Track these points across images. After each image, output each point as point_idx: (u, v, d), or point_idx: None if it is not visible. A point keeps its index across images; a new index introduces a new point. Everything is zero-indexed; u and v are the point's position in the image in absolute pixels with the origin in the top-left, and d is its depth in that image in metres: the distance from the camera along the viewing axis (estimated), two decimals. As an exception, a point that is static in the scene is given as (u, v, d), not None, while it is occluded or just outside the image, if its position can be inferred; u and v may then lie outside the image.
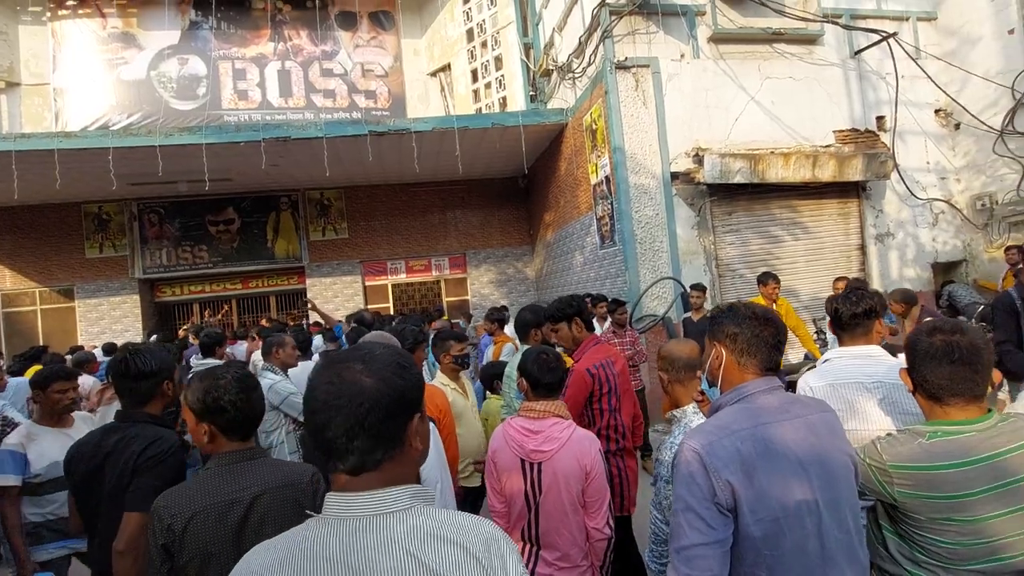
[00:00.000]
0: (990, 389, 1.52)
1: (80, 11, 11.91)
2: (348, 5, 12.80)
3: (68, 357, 6.28)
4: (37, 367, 6.75)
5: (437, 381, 3.26)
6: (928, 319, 2.24)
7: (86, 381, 5.82)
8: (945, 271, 8.09)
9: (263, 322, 9.52)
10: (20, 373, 6.39)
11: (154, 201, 11.03)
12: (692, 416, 1.97)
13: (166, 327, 11.29)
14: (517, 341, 4.80)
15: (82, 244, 10.96)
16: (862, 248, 7.72)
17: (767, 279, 5.35)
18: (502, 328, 5.84)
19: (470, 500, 3.31)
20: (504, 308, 6.65)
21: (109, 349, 6.33)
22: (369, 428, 0.86)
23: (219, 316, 11.67)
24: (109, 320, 10.97)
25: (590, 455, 2.07)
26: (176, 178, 9.24)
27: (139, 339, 10.12)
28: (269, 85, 12.49)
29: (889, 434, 1.60)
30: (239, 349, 7.16)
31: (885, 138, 7.69)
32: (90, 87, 11.83)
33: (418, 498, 0.89)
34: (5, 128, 11.44)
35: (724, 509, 1.24)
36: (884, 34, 7.35)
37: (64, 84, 11.80)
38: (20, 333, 10.76)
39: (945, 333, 1.48)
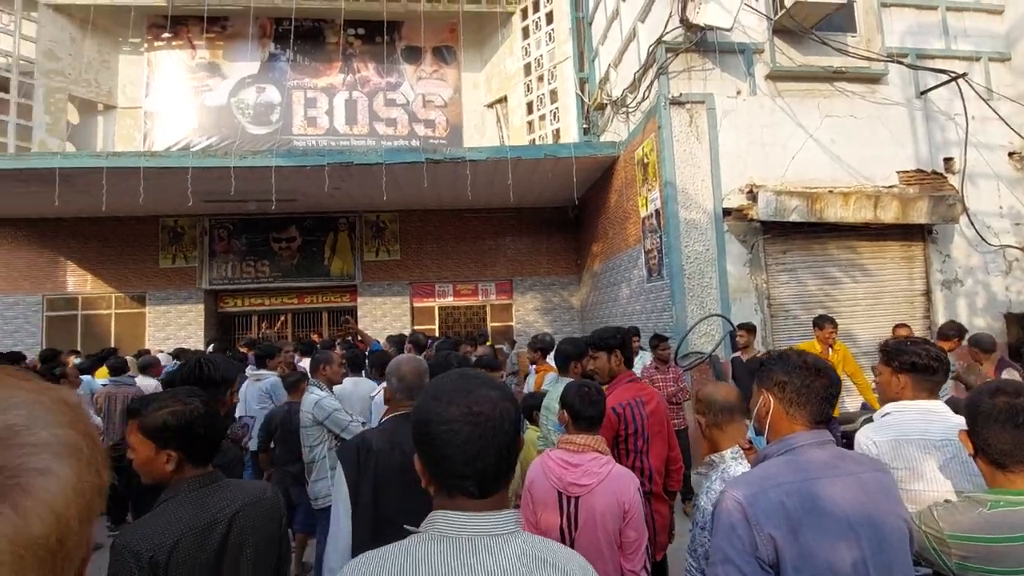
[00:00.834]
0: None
1: (174, 43, 13.07)
2: (414, 40, 13.48)
3: (129, 359, 6.69)
4: (104, 369, 7.30)
5: None
6: (991, 380, 2.11)
7: (148, 383, 6.23)
8: (1020, 322, 7.57)
9: (315, 337, 9.88)
10: (89, 372, 6.90)
11: (224, 217, 11.77)
12: (731, 462, 1.91)
13: (226, 336, 11.89)
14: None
15: (157, 255, 11.77)
16: (927, 294, 7.35)
17: (823, 322, 5.18)
18: (545, 357, 5.84)
19: None
20: (549, 335, 6.66)
21: (177, 354, 6.72)
22: (512, 451, 0.91)
23: (275, 328, 12.19)
24: (175, 327, 11.65)
25: (629, 493, 2.03)
26: (246, 197, 9.84)
27: (200, 346, 10.69)
28: (336, 113, 13.24)
29: (947, 500, 1.53)
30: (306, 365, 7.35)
31: (953, 180, 7.36)
32: (176, 111, 12.89)
33: (519, 523, 0.93)
34: (99, 147, 12.55)
35: (765, 564, 1.21)
36: (953, 74, 7.11)
37: (154, 108, 12.90)
38: (95, 335, 11.57)
39: (1009, 395, 1.43)
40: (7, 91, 11.32)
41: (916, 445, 1.79)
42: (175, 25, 12.86)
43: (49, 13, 12.11)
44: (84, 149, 12.01)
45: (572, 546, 2.03)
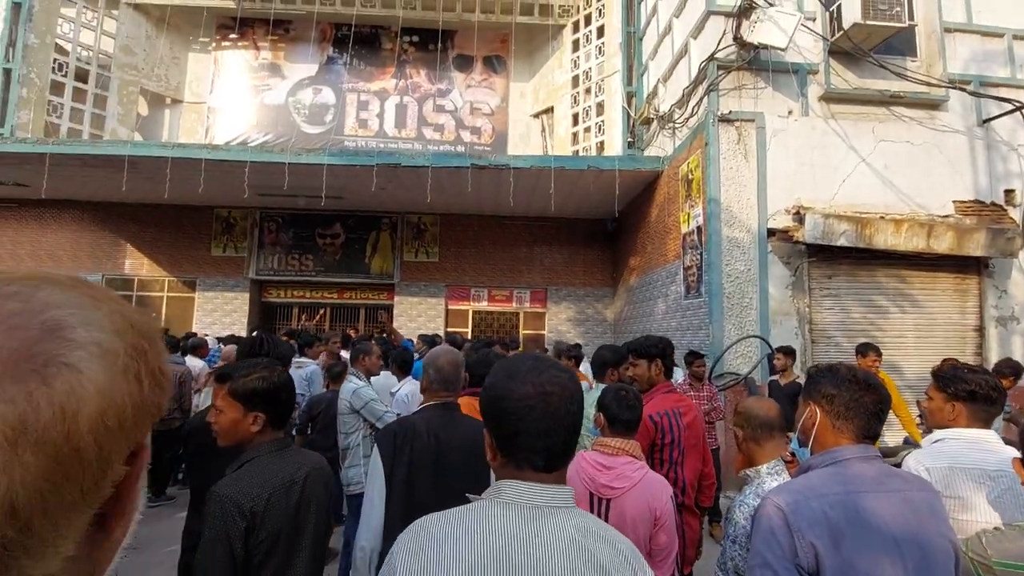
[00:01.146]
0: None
1: (240, 43, 13.75)
2: (466, 49, 13.80)
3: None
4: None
5: None
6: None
7: (196, 364, 6.54)
8: (1082, 367, 7.17)
9: (351, 332, 10.14)
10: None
11: (275, 211, 12.25)
12: (766, 477, 1.90)
13: (267, 325, 12.31)
14: (591, 378, 4.84)
15: (209, 243, 12.32)
16: (980, 330, 7.05)
17: (867, 350, 5.05)
18: (577, 366, 5.89)
19: None
20: (578, 346, 6.69)
21: (227, 340, 7.06)
22: (576, 430, 0.98)
23: (315, 321, 12.56)
24: (221, 313, 12.15)
25: (661, 500, 2.02)
26: (297, 192, 10.23)
27: (243, 333, 11.10)
28: (387, 116, 13.67)
29: (997, 528, 1.52)
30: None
31: (1014, 213, 7.07)
32: (237, 108, 13.55)
33: (573, 499, 0.98)
34: (165, 138, 13.25)
35: (804, 572, 1.22)
36: (1017, 104, 6.85)
37: (217, 104, 13.58)
38: (147, 315, 12.15)
39: (1064, 427, 1.42)
40: (85, 82, 12.08)
41: (969, 474, 1.76)
42: (242, 27, 13.52)
43: (129, 11, 12.91)
44: (151, 140, 12.71)
45: None
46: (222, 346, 6.65)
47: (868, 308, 6.95)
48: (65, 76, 11.74)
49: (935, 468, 1.78)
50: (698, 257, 7.23)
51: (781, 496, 1.33)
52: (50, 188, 9.72)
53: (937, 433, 1.92)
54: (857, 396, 1.40)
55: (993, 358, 6.86)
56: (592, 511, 2.07)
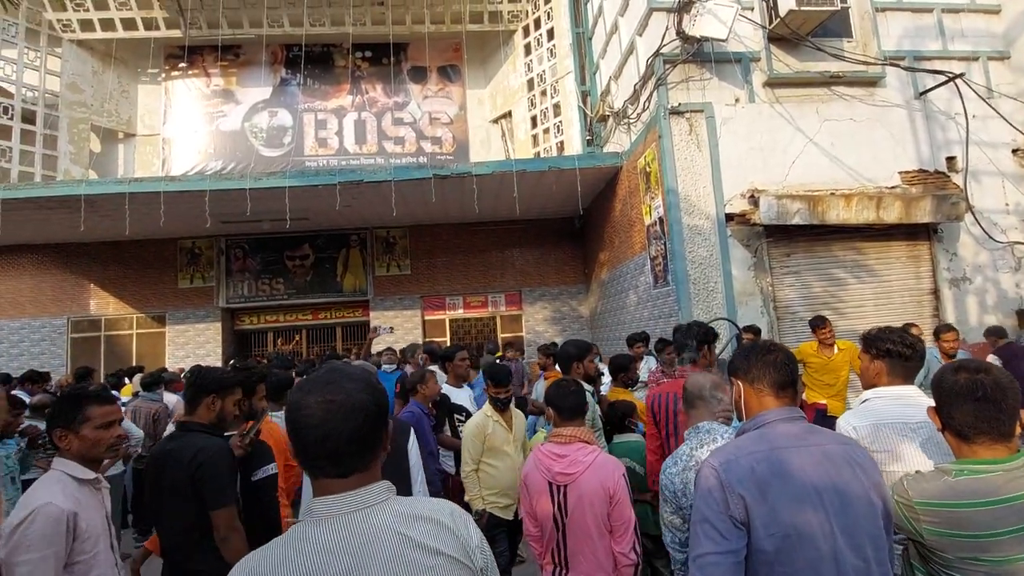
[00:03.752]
0: (1020, 429, 1.53)
1: (190, 72, 13.59)
2: (419, 60, 13.86)
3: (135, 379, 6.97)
4: (128, 386, 7.56)
5: (483, 412, 3.38)
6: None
7: (171, 398, 6.46)
8: (1033, 319, 7.53)
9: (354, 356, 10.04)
10: (115, 388, 7.14)
11: (240, 237, 12.10)
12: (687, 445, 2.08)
13: (243, 353, 12.14)
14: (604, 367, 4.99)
15: (175, 275, 12.11)
16: (935, 292, 7.35)
17: (819, 322, 5.25)
18: (555, 364, 5.97)
19: (507, 532, 3.29)
20: (555, 344, 6.79)
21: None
22: (365, 435, 1.02)
23: (291, 345, 12.43)
24: (194, 345, 11.94)
25: (613, 479, 2.15)
26: (261, 217, 10.14)
27: (219, 363, 10.93)
28: (346, 133, 13.64)
29: (918, 471, 1.62)
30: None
31: (957, 179, 7.39)
32: (192, 137, 13.38)
33: (390, 491, 1.05)
34: (120, 173, 13.01)
35: (737, 522, 1.33)
36: (950, 75, 7.19)
37: (171, 135, 13.38)
38: (117, 355, 11.90)
39: (970, 371, 1.53)
40: (33, 123, 11.81)
41: (893, 428, 1.89)
42: (191, 55, 13.36)
43: (72, 48, 12.67)
44: (106, 176, 12.46)
45: (564, 531, 2.18)
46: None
47: (828, 281, 7.19)
48: (11, 119, 11.46)
49: (861, 426, 1.92)
50: (663, 247, 7.39)
51: (715, 458, 1.44)
52: (5, 234, 9.47)
53: (865, 394, 2.08)
54: (762, 357, 1.55)
55: (949, 318, 7.17)
56: (552, 498, 2.21)
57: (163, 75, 13.60)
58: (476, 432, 3.24)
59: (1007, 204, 7.53)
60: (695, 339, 3.03)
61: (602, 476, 2.15)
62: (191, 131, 13.35)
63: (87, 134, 12.71)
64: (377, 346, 8.51)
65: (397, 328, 12.11)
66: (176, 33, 12.93)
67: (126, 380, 7.91)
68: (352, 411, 1.01)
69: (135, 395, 6.36)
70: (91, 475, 1.93)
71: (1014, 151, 7.59)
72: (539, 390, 5.46)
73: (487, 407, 3.38)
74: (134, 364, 10.41)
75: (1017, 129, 7.40)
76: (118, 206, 8.96)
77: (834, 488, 1.36)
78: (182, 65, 13.48)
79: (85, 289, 11.97)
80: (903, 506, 1.51)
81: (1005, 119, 7.34)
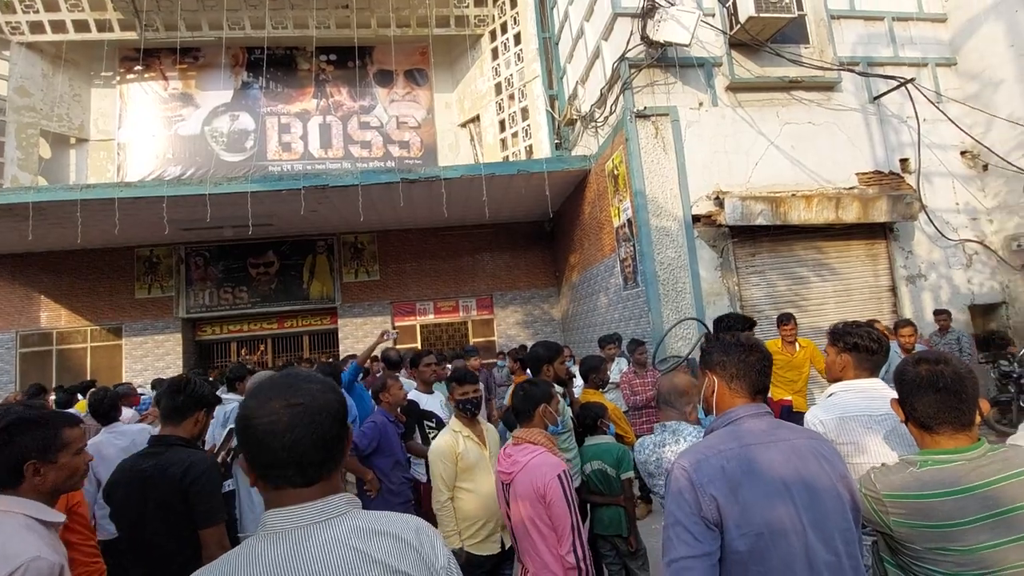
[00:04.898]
0: (979, 418, 1.55)
1: (146, 75, 13.14)
2: (385, 64, 13.71)
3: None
4: (83, 402, 7.18)
5: (449, 428, 2.91)
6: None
7: (126, 413, 6.17)
8: (984, 314, 7.86)
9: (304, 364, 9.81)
10: (67, 405, 6.77)
11: (201, 245, 11.72)
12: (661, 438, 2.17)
13: (204, 365, 11.74)
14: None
15: (132, 285, 11.64)
16: (893, 289, 7.60)
17: (783, 320, 5.36)
18: (525, 368, 5.92)
19: (486, 570, 2.79)
20: (524, 347, 6.76)
21: (158, 384, 6.72)
22: (331, 440, 0.96)
23: (255, 356, 12.07)
24: (152, 358, 11.48)
25: (544, 479, 2.11)
26: (223, 223, 9.83)
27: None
28: (311, 138, 13.38)
29: (884, 464, 1.63)
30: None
31: (910, 180, 7.68)
32: (149, 142, 12.92)
33: (352, 504, 0.98)
34: (72, 180, 12.45)
35: (710, 523, 1.30)
36: (902, 80, 7.46)
37: (127, 139, 12.90)
38: (70, 369, 11.35)
39: (931, 363, 1.54)
40: (-24, 128, 11.22)
41: (858, 421, 1.93)
42: (147, 57, 12.92)
43: (21, 50, 12.11)
44: (57, 183, 11.91)
45: (512, 528, 2.24)
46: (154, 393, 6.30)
47: (791, 280, 7.36)
48: (-47, 123, 10.87)
49: (827, 420, 1.96)
50: (632, 249, 7.44)
51: (685, 458, 1.41)
52: (-55, 244, 8.94)
53: (831, 387, 2.11)
54: (744, 357, 1.52)
55: (907, 313, 7.42)
56: (501, 495, 2.31)
57: (117, 78, 13.10)
58: (446, 453, 2.75)
59: (957, 203, 7.85)
60: (739, 327, 3.01)
61: (534, 476, 2.15)
62: (148, 136, 12.89)
63: (36, 139, 12.14)
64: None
65: (365, 335, 11.90)
66: (131, 35, 12.49)
67: (79, 396, 7.53)
68: (319, 414, 0.95)
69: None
70: (60, 517, 1.61)
71: (962, 153, 7.93)
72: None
73: (453, 422, 2.93)
74: (88, 379, 9.94)
75: (965, 132, 7.73)
76: (69, 213, 8.57)
77: (803, 482, 1.35)
78: (138, 68, 13.03)
79: (35, 301, 11.38)
80: (871, 499, 1.52)
81: (953, 122, 7.66)
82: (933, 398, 1.50)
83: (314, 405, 0.95)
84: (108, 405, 3.67)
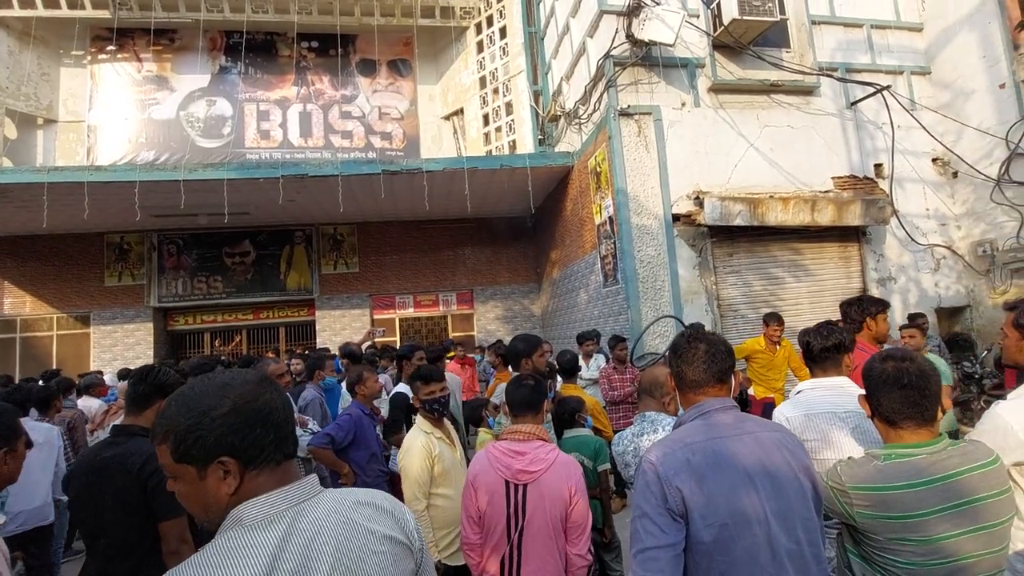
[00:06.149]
0: (940, 415, 1.60)
1: (119, 56, 12.71)
2: (368, 53, 13.52)
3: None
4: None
5: (416, 428, 2.75)
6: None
7: (92, 403, 6.01)
8: (950, 316, 8.10)
9: (269, 354, 9.65)
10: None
11: (174, 233, 11.44)
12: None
13: (176, 356, 11.48)
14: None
15: (102, 273, 11.32)
16: (864, 291, 7.77)
17: (769, 320, 5.44)
18: (506, 364, 5.88)
19: None
20: (501, 343, 6.73)
21: (124, 375, 6.53)
22: (291, 427, 1.03)
23: (230, 347, 11.85)
24: (122, 347, 11.19)
25: (573, 479, 2.09)
26: (197, 211, 9.61)
27: (150, 366, 10.28)
28: (291, 126, 13.11)
29: (850, 457, 1.68)
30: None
31: (884, 185, 7.86)
32: (122, 125, 12.51)
33: (314, 485, 1.01)
34: (39, 162, 12.03)
35: (676, 515, 1.33)
36: (878, 87, 7.63)
37: (98, 122, 12.47)
38: (35, 358, 11.00)
39: (896, 360, 1.59)
40: (-64, 105, 10.76)
41: (824, 418, 2.00)
42: (121, 38, 12.52)
43: (-16, 25, 11.62)
44: (22, 164, 11.49)
45: (520, 534, 2.05)
46: (119, 382, 6.14)
47: (767, 280, 7.48)
48: (-90, 99, 10.40)
49: (793, 417, 2.04)
50: (612, 246, 7.48)
51: (653, 452, 1.44)
52: (-100, 225, 8.56)
53: (799, 385, 2.21)
54: (692, 348, 1.56)
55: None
56: (508, 498, 2.09)
57: (89, 58, 12.67)
58: (423, 455, 2.56)
59: (927, 209, 8.06)
60: (867, 310, 3.00)
61: (564, 475, 2.09)
62: (120, 119, 12.48)
63: (2, 119, 11.67)
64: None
65: (344, 328, 11.79)
66: (104, 14, 12.08)
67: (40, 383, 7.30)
68: (282, 392, 1.04)
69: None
70: None
71: (933, 160, 8.15)
72: (499, 392, 5.36)
73: (420, 422, 2.75)
74: (54, 367, 9.65)
75: (937, 140, 7.94)
76: (36, 196, 8.28)
77: (767, 473, 1.38)
78: (110, 48, 12.60)
79: (-2, 286, 11.00)
80: (837, 491, 1.56)
81: (926, 130, 7.86)
82: (898, 394, 1.54)
83: (278, 400, 1.03)
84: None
